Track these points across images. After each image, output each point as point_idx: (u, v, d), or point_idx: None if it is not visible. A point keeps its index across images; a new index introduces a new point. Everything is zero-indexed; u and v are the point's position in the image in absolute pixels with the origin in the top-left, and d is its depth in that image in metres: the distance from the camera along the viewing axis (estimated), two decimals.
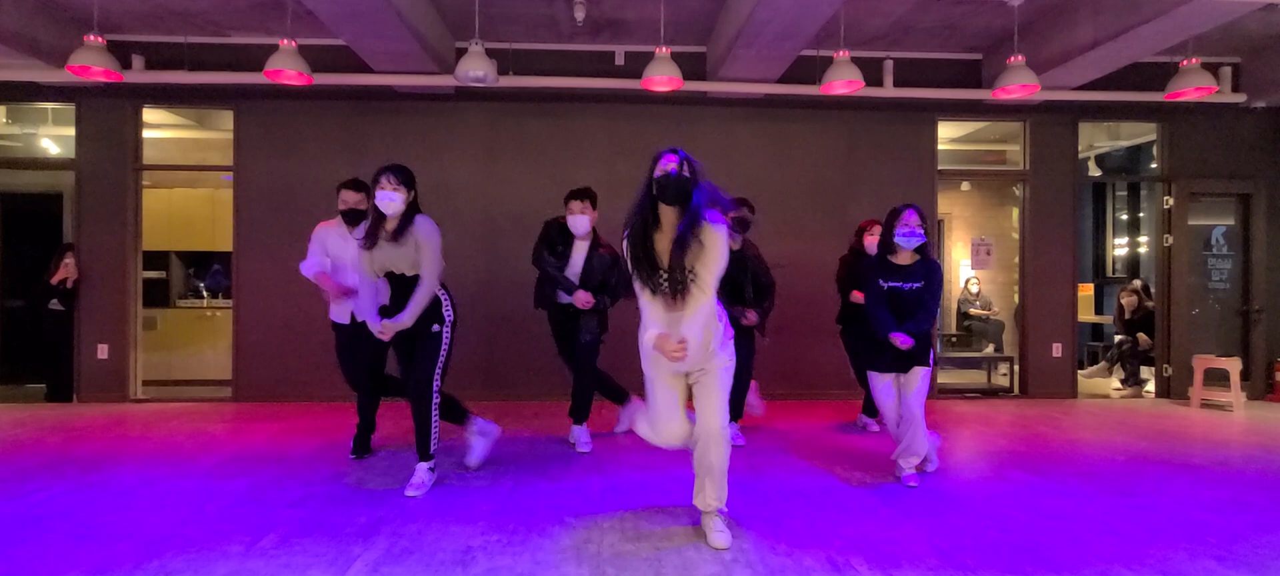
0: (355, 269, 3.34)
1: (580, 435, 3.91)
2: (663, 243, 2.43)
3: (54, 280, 5.44)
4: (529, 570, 2.24)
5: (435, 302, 3.04)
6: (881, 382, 3.29)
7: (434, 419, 3.06)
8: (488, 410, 4.21)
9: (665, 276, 2.39)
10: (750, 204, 3.99)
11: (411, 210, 3.03)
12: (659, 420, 2.55)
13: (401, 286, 3.03)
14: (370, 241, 2.99)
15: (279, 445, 3.93)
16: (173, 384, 6.21)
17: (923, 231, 3.16)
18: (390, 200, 2.96)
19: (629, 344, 2.72)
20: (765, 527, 2.54)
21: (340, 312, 3.72)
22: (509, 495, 3.03)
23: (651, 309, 2.45)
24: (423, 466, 3.07)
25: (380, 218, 3.01)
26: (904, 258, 3.22)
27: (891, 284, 3.22)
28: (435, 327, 3.03)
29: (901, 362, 3.21)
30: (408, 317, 2.97)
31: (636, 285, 2.47)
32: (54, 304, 5.47)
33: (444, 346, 3.08)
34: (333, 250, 3.69)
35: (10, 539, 2.50)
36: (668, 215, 2.45)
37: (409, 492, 2.98)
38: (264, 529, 2.58)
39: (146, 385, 5.76)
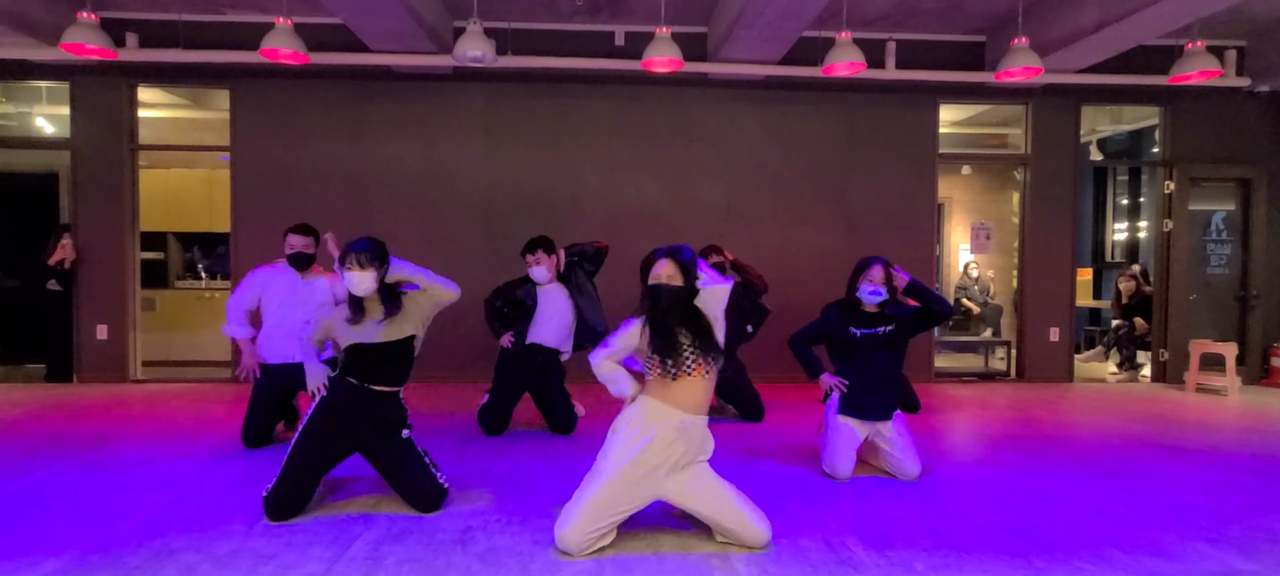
0: (307, 315, 3.25)
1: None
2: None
3: (51, 260, 5.43)
4: (528, 549, 2.27)
5: (400, 405, 2.70)
6: (846, 429, 3.06)
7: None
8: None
9: (673, 362, 2.31)
10: (718, 249, 4.12)
11: (390, 289, 2.66)
12: (598, 518, 2.23)
13: (383, 351, 2.63)
14: (356, 317, 2.62)
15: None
16: (172, 365, 6.22)
17: (885, 289, 3.03)
18: (359, 282, 2.57)
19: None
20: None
21: (276, 352, 3.48)
22: (507, 476, 3.05)
23: (652, 383, 2.35)
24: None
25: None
26: (871, 307, 3.09)
27: (862, 331, 3.07)
28: (405, 433, 2.67)
29: (882, 412, 3.05)
30: (422, 274, 2.70)
31: (615, 353, 2.41)
32: (52, 284, 5.46)
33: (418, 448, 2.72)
34: (278, 298, 3.48)
35: (12, 517, 2.51)
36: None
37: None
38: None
39: (146, 365, 5.78)
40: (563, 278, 3.83)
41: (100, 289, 5.52)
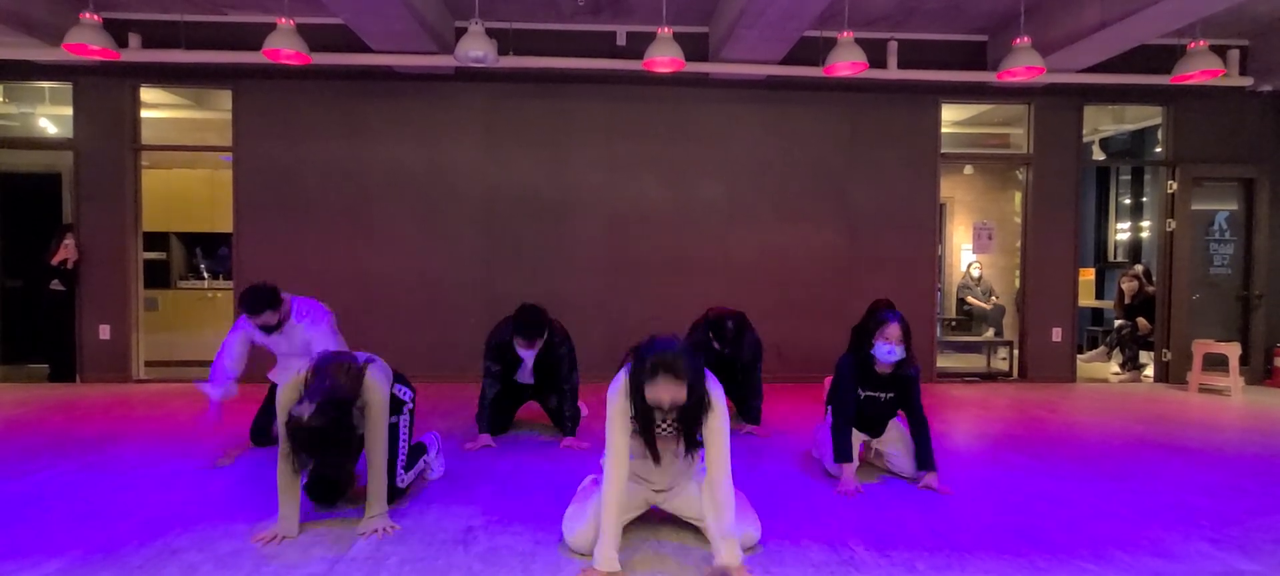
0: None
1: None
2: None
3: (54, 260, 5.44)
4: (530, 549, 2.27)
5: (395, 399, 2.63)
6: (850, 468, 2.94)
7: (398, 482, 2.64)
8: None
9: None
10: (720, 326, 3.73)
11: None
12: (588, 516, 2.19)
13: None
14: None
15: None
16: (175, 365, 6.23)
17: (903, 348, 2.84)
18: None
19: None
20: (764, 511, 2.56)
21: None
22: (509, 475, 3.05)
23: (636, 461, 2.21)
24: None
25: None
26: (884, 368, 2.92)
27: (867, 393, 2.96)
28: (395, 419, 2.65)
29: (874, 428, 3.06)
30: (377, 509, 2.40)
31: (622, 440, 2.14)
32: (55, 284, 5.48)
33: (403, 438, 2.68)
34: (270, 344, 3.39)
35: (14, 517, 2.52)
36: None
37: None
38: (267, 508, 2.60)
39: (149, 365, 5.79)
40: (545, 358, 3.65)
41: (103, 289, 5.53)
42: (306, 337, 3.29)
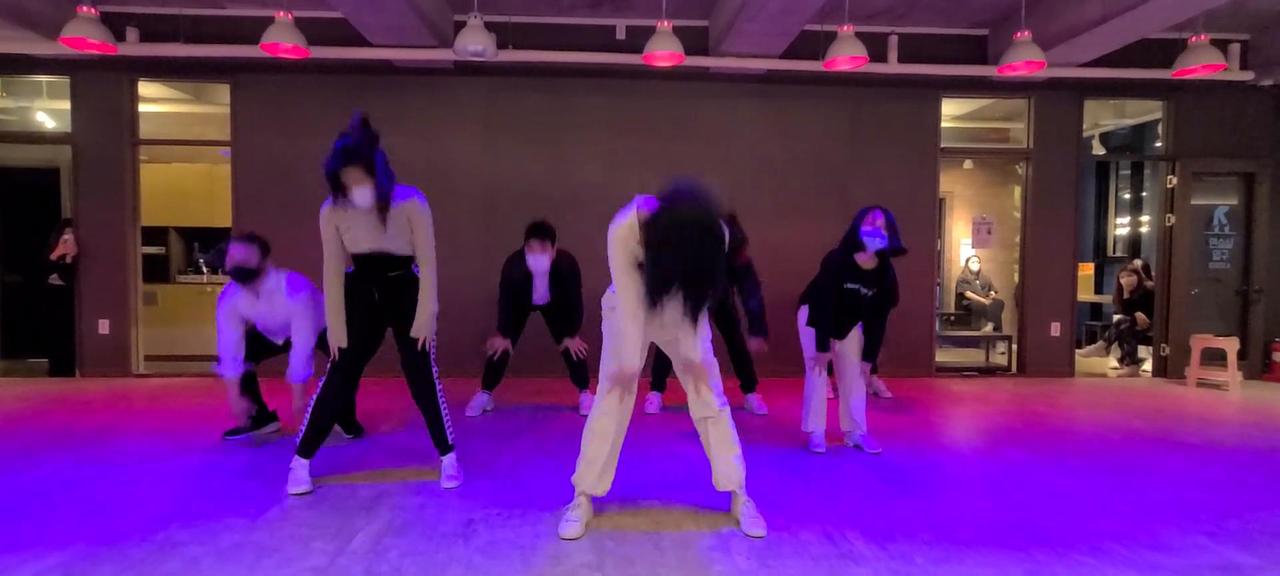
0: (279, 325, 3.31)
1: (585, 402, 4.15)
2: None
3: (53, 256, 5.44)
4: (530, 543, 2.27)
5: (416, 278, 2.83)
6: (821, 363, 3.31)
7: (444, 409, 2.88)
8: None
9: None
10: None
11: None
12: (623, 350, 2.27)
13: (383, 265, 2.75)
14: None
15: (280, 419, 3.95)
16: (175, 359, 6.23)
17: (886, 235, 3.08)
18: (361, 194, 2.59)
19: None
20: (762, 502, 2.57)
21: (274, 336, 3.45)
22: (510, 469, 3.06)
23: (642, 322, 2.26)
24: (450, 458, 2.88)
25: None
26: (868, 261, 3.18)
27: (851, 286, 3.20)
28: (422, 347, 2.81)
29: (846, 326, 3.34)
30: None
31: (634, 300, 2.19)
32: (54, 279, 5.48)
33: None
34: (251, 313, 3.33)
35: (15, 512, 2.53)
36: None
37: (448, 485, 2.80)
38: (267, 502, 2.61)
39: (148, 360, 5.79)
40: (554, 275, 3.98)
41: (102, 283, 5.53)
42: (287, 307, 3.27)
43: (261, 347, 3.51)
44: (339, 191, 2.58)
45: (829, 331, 3.26)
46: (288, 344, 3.38)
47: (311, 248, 6.06)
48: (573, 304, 4.02)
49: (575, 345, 4.02)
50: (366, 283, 2.77)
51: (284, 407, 4.24)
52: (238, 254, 3.16)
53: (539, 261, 3.89)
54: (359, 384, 3.46)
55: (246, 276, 3.18)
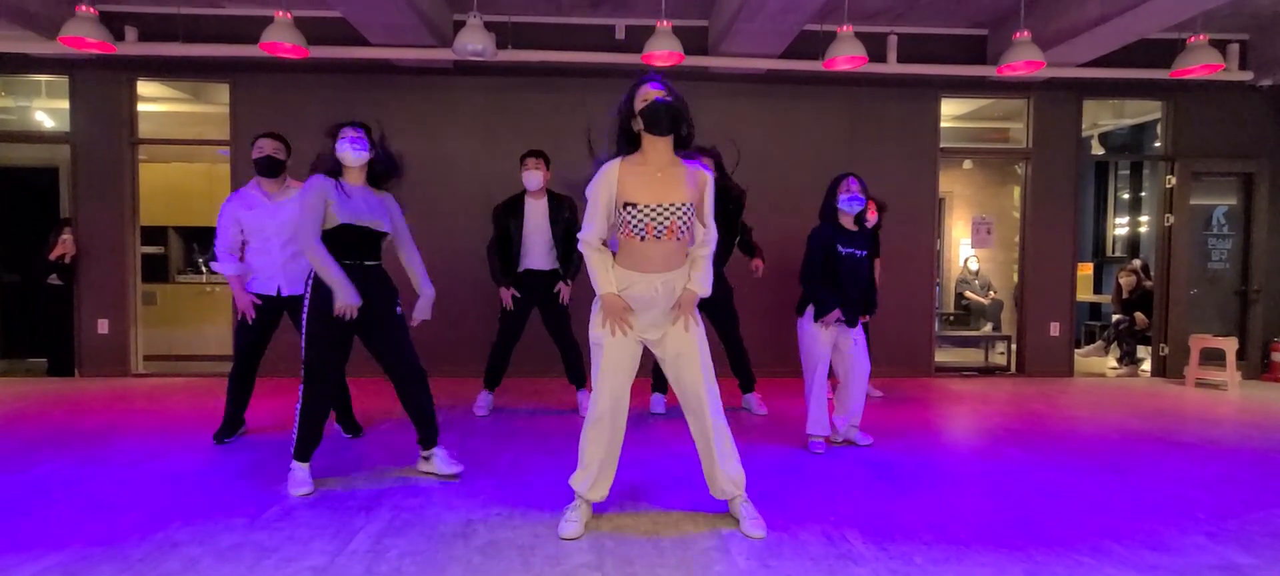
0: (280, 234, 3.32)
1: (582, 400, 4.09)
2: (647, 178, 2.36)
3: (52, 255, 5.43)
4: (529, 542, 2.27)
5: (390, 281, 2.90)
6: (825, 337, 3.35)
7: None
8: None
9: (649, 211, 2.30)
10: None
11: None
12: (608, 380, 2.33)
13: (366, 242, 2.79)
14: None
15: (280, 419, 3.95)
16: (173, 359, 6.23)
17: (863, 196, 3.28)
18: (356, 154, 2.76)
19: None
20: (761, 502, 2.57)
21: (266, 282, 3.38)
22: (509, 469, 3.06)
23: (624, 250, 2.38)
24: (441, 451, 2.94)
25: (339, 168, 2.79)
26: (849, 223, 3.35)
27: (846, 249, 3.33)
28: (399, 309, 2.88)
29: (850, 317, 3.38)
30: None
31: (599, 226, 2.37)
32: (53, 279, 5.47)
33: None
34: (252, 226, 3.35)
35: (15, 512, 2.52)
36: (654, 148, 2.37)
37: (452, 470, 2.89)
38: (267, 502, 2.61)
39: (147, 360, 5.79)
40: (553, 202, 4.03)
41: (101, 283, 5.52)
42: (289, 215, 3.32)
43: (260, 340, 3.49)
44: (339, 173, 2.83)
45: (827, 300, 3.29)
46: (279, 318, 3.42)
47: None
48: (573, 242, 3.96)
49: (566, 291, 4.04)
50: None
51: (283, 407, 4.24)
52: (267, 147, 3.40)
53: (532, 178, 3.97)
54: (347, 385, 3.51)
55: (274, 168, 3.40)
